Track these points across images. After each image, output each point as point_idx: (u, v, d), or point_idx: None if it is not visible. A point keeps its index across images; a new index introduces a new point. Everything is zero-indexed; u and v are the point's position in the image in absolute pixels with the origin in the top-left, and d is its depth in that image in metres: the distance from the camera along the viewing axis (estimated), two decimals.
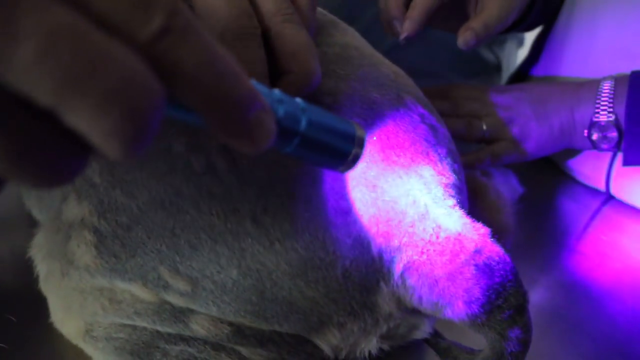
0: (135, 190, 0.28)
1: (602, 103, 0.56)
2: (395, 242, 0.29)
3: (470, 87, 0.62)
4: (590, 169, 0.63)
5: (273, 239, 0.28)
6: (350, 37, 0.37)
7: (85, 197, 0.29)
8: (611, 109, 0.55)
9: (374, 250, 0.29)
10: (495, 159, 0.58)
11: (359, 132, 0.24)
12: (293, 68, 0.28)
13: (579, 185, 0.64)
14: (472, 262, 0.29)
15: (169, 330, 0.29)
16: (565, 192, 0.63)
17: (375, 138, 0.31)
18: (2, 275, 0.31)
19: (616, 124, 0.55)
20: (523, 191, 0.47)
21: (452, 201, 0.32)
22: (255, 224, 0.28)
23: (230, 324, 0.29)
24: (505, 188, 0.44)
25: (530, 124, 0.58)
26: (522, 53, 0.81)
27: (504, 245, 0.36)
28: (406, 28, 0.52)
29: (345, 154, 0.24)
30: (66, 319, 0.32)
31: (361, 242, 0.29)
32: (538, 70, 0.73)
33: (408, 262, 0.29)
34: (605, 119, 0.55)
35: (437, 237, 0.29)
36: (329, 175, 0.29)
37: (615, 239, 0.55)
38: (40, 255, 0.31)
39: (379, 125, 0.32)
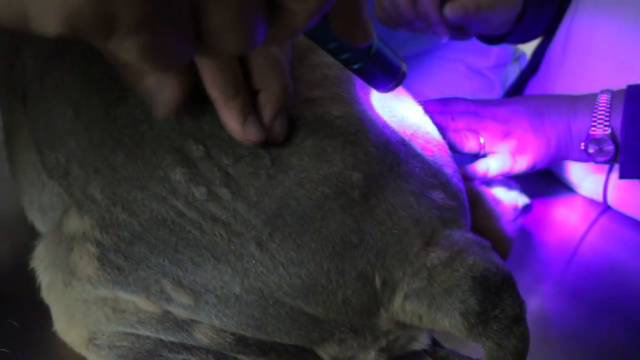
0: (136, 209, 0.28)
1: (599, 116, 0.55)
2: (399, 274, 0.29)
3: (467, 100, 0.61)
4: (588, 179, 0.63)
5: (277, 263, 0.27)
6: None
7: (86, 211, 0.29)
8: (607, 123, 0.55)
9: (377, 282, 0.28)
10: (492, 172, 0.57)
11: (404, 65, 0.31)
12: (261, 86, 0.28)
13: (577, 196, 0.64)
14: (470, 274, 0.28)
15: (172, 339, 0.29)
16: (562, 203, 0.63)
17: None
18: (4, 280, 0.31)
19: (612, 137, 0.54)
20: (529, 200, 0.46)
21: (458, 221, 0.32)
22: (260, 247, 0.27)
23: (234, 333, 0.29)
24: (507, 196, 0.43)
25: (528, 137, 0.57)
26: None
27: (503, 254, 0.36)
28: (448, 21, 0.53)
29: (393, 76, 0.30)
30: (69, 327, 0.31)
31: (366, 275, 0.28)
32: (536, 82, 0.72)
33: (409, 290, 0.29)
34: (602, 132, 0.55)
35: (439, 260, 0.29)
36: (340, 209, 0.28)
37: (613, 250, 0.54)
38: (42, 266, 0.31)
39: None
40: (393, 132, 0.33)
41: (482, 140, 0.58)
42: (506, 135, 0.58)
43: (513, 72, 0.93)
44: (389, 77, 0.31)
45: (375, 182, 0.29)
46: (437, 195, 0.31)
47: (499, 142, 0.58)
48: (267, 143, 0.28)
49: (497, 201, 0.40)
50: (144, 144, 0.29)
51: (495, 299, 0.28)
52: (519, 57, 0.94)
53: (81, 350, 0.31)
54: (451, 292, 0.28)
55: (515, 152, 0.58)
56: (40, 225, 0.35)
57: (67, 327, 0.31)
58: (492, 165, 0.57)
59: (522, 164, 0.58)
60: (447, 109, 0.60)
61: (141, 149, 0.29)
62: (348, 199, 0.28)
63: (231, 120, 0.27)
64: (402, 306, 0.29)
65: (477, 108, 0.60)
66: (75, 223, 0.29)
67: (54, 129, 0.32)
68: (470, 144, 0.57)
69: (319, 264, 0.27)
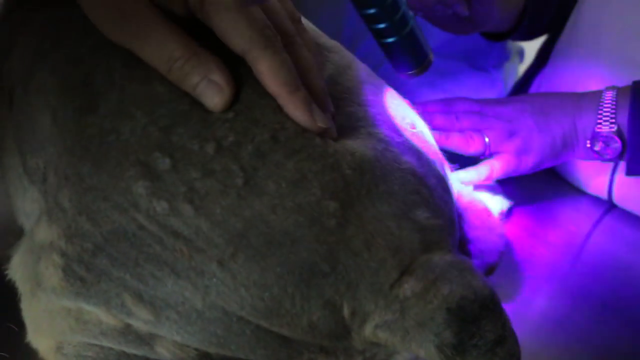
0: (99, 219, 0.27)
1: (604, 113, 0.54)
2: (371, 306, 0.27)
3: (471, 100, 0.60)
4: (593, 177, 0.61)
5: (239, 284, 0.26)
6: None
7: (55, 220, 0.28)
8: (613, 120, 0.53)
9: (346, 312, 0.27)
10: (496, 174, 0.56)
11: (431, 55, 0.31)
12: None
13: (581, 194, 0.62)
14: (444, 305, 0.26)
15: (135, 351, 0.28)
16: (567, 201, 0.61)
17: None
18: (2, 284, 0.31)
19: (619, 135, 0.53)
20: (511, 203, 0.45)
21: (441, 242, 0.29)
22: (221, 267, 0.26)
23: (197, 348, 0.28)
24: (493, 203, 0.42)
25: (533, 135, 0.56)
26: (524, 69, 0.80)
27: (493, 265, 0.34)
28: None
29: (420, 61, 0.30)
30: (38, 337, 0.31)
31: (333, 303, 0.26)
32: (541, 80, 0.71)
33: (380, 321, 0.27)
34: (607, 130, 0.53)
35: (412, 292, 0.27)
36: (313, 237, 0.26)
37: (618, 249, 0.52)
38: (17, 276, 0.30)
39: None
40: (368, 146, 0.30)
41: (486, 140, 0.57)
42: (511, 134, 0.57)
43: (513, 68, 0.91)
44: (416, 61, 0.30)
45: (352, 209, 0.27)
46: (421, 215, 0.29)
47: (504, 142, 0.56)
48: (243, 160, 0.27)
49: (489, 212, 0.39)
50: (110, 155, 0.28)
51: (472, 328, 0.26)
52: (519, 52, 0.93)
53: (50, 359, 0.30)
54: (425, 325, 0.26)
55: (521, 152, 0.56)
56: (27, 230, 0.34)
57: (36, 337, 0.31)
58: (496, 167, 0.56)
59: (527, 163, 0.57)
60: (451, 109, 0.59)
61: (107, 159, 0.27)
62: (323, 227, 0.26)
63: (298, 110, 0.28)
64: (374, 333, 0.27)
65: (481, 107, 0.59)
66: (44, 232, 0.28)
67: (35, 134, 0.31)
68: (474, 145, 0.56)
69: (283, 288, 0.26)
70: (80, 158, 0.28)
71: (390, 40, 0.28)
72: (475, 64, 0.83)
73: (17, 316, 0.31)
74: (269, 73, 0.28)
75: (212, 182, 0.26)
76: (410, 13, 0.28)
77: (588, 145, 0.55)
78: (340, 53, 0.36)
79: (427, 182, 0.31)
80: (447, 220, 0.31)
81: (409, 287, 0.27)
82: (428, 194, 0.30)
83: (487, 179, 0.55)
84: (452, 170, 0.38)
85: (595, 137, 0.54)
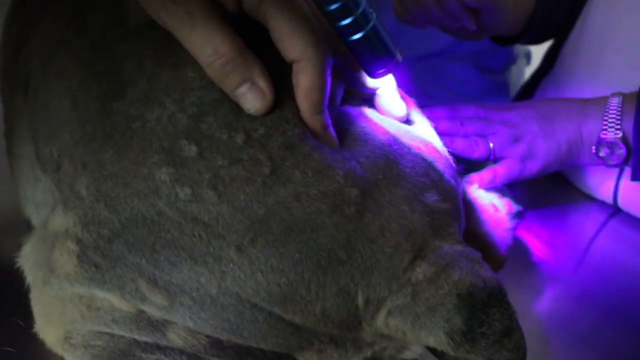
0: (118, 206, 0.26)
1: (610, 120, 0.53)
2: (385, 292, 0.27)
3: (476, 106, 0.60)
4: (598, 181, 0.60)
5: (256, 269, 0.25)
6: None
7: (71, 208, 0.27)
8: (619, 126, 0.53)
9: (360, 300, 0.27)
10: (499, 179, 0.56)
11: (399, 55, 0.30)
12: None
13: (587, 198, 0.62)
14: (455, 291, 0.26)
15: (146, 339, 0.28)
16: (572, 205, 0.60)
17: None
18: (8, 278, 0.30)
19: (624, 141, 0.53)
20: (521, 208, 0.45)
21: (450, 227, 0.29)
22: (239, 252, 0.25)
23: (208, 335, 0.27)
24: (501, 203, 0.42)
25: (538, 141, 0.56)
26: (530, 71, 0.80)
27: (500, 261, 0.34)
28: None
29: (387, 60, 0.30)
30: (47, 327, 0.30)
31: (348, 291, 0.26)
32: (547, 83, 0.71)
33: (393, 306, 0.27)
34: (613, 136, 0.53)
35: (424, 276, 0.27)
36: (333, 225, 0.26)
37: (623, 252, 0.52)
38: (28, 265, 0.30)
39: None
40: (378, 133, 0.30)
41: (491, 145, 0.57)
42: (516, 139, 0.56)
43: (521, 70, 0.91)
44: (383, 60, 0.29)
45: (371, 195, 0.27)
46: (430, 198, 0.29)
47: (508, 147, 0.56)
48: (272, 151, 0.27)
49: (497, 208, 0.39)
50: (133, 142, 0.27)
51: (481, 316, 0.26)
52: (526, 54, 0.93)
53: (58, 349, 0.30)
54: (435, 310, 0.26)
55: (525, 157, 0.56)
56: (36, 221, 0.34)
57: (44, 327, 0.30)
58: (499, 172, 0.56)
59: (532, 168, 0.56)
60: (457, 114, 0.59)
61: (130, 146, 0.27)
62: (343, 215, 0.26)
63: (315, 129, 0.29)
64: (386, 322, 0.27)
65: (486, 113, 0.58)
66: (60, 220, 0.28)
67: (51, 120, 0.30)
68: (479, 150, 0.56)
69: (300, 274, 0.26)
70: (102, 145, 0.28)
71: (356, 37, 0.28)
72: (481, 66, 0.83)
73: (22, 311, 0.31)
74: (304, 89, 0.28)
75: (238, 170, 0.26)
76: (373, 13, 0.28)
77: (593, 151, 0.54)
78: None
79: (435, 165, 0.31)
80: (454, 206, 0.31)
81: (421, 271, 0.27)
82: (437, 177, 0.30)
83: (490, 184, 0.55)
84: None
85: (600, 143, 0.54)
